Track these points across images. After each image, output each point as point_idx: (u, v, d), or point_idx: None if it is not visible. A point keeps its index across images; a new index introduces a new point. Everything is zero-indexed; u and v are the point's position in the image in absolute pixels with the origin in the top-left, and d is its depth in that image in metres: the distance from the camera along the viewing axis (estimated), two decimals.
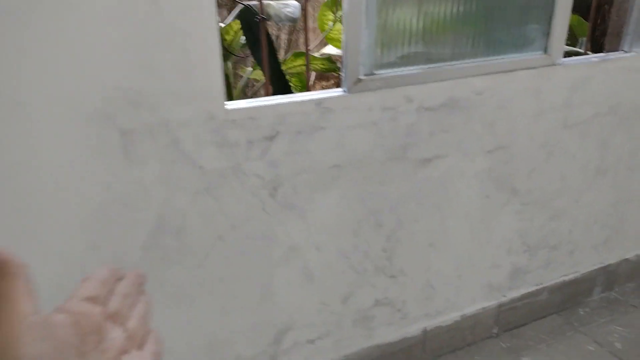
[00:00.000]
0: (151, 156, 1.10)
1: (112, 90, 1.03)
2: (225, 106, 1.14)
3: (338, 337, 1.60)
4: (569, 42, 2.77)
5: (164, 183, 1.13)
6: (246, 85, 1.80)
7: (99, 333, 0.35)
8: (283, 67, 1.59)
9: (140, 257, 1.19)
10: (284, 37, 2.15)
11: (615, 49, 1.75)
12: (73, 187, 1.07)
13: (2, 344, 0.28)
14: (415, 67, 1.37)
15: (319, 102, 1.26)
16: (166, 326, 1.30)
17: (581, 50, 1.97)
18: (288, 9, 1.40)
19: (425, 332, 1.75)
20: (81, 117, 1.03)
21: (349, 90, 1.28)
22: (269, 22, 1.61)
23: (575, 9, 2.84)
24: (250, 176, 1.24)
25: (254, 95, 1.66)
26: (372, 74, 1.32)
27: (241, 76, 1.82)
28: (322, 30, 1.88)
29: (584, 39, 2.25)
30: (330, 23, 1.84)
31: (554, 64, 1.53)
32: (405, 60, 1.36)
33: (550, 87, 1.56)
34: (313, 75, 2.16)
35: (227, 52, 1.52)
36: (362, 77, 1.29)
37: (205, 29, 1.04)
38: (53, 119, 1.01)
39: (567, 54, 1.81)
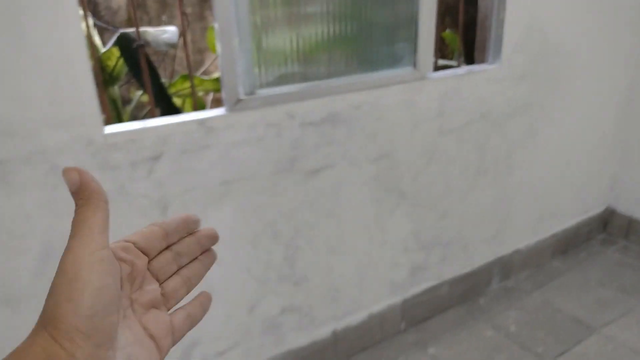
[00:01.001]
0: (31, 183, 1.14)
1: None
2: (104, 131, 1.20)
3: (247, 346, 1.66)
4: (450, 56, 3.03)
5: (46, 209, 1.17)
6: (137, 108, 1.85)
7: (142, 280, 0.38)
8: (172, 89, 1.66)
9: (31, 284, 1.21)
10: (180, 55, 2.23)
11: (482, 61, 1.96)
12: None
13: (76, 267, 0.30)
14: (294, 85, 1.48)
15: (201, 122, 1.33)
16: None
17: (455, 64, 2.18)
18: (166, 35, 1.48)
19: (335, 333, 1.85)
20: None
21: (230, 110, 1.37)
22: (148, 48, 1.68)
23: (451, 25, 3.11)
24: (137, 197, 1.29)
25: (145, 117, 1.71)
26: (253, 93, 1.42)
27: (132, 99, 1.88)
28: (214, 51, 1.96)
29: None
30: None
31: (423, 78, 1.70)
32: (285, 79, 1.47)
33: (422, 99, 1.72)
34: (211, 95, 2.24)
35: (111, 77, 1.57)
36: (242, 97, 1.39)
37: (73, 57, 1.10)
38: None
39: (442, 67, 2.01)
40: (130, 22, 2.27)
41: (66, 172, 0.33)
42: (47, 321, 0.30)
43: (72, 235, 0.32)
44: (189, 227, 0.42)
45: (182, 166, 1.33)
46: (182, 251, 0.42)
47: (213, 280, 1.50)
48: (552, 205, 2.39)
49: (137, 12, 2.28)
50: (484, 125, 1.94)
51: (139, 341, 0.36)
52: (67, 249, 0.32)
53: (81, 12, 1.18)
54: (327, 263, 1.74)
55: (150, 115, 1.36)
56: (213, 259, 0.44)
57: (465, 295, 2.21)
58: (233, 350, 1.63)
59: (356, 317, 1.89)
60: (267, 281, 1.63)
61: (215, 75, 1.93)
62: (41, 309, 0.31)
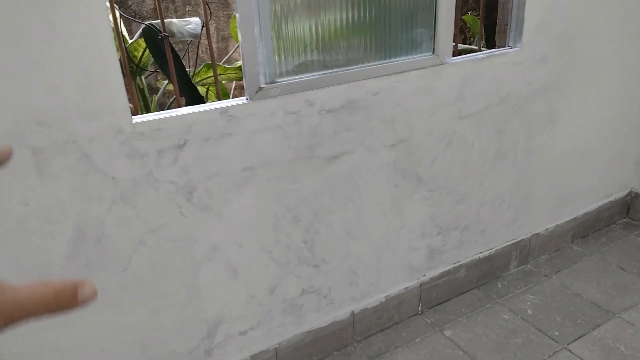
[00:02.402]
0: (64, 171, 1.20)
1: (19, 112, 1.12)
2: (132, 120, 1.25)
3: (269, 326, 1.72)
4: (471, 40, 2.99)
5: (78, 195, 1.23)
6: (164, 96, 1.89)
7: None
8: (197, 79, 1.70)
9: (64, 266, 1.28)
10: (205, 43, 2.26)
11: (503, 45, 1.94)
12: None
13: None
14: (313, 73, 1.50)
15: (223, 111, 1.37)
16: (96, 330, 1.39)
17: (476, 47, 2.16)
18: (189, 26, 1.51)
19: (353, 314, 1.90)
20: None
21: (251, 98, 1.41)
22: (173, 39, 1.72)
23: (473, 7, 3.06)
24: (164, 183, 1.34)
25: (171, 105, 1.76)
26: (273, 81, 1.45)
27: (159, 88, 1.93)
28: (237, 40, 1.99)
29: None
30: None
31: (442, 63, 1.70)
32: (304, 68, 1.49)
33: (441, 84, 1.73)
34: (234, 84, 2.28)
35: (138, 67, 1.62)
36: (263, 85, 1.42)
37: (102, 49, 1.15)
38: None
39: (463, 52, 2.00)
40: (156, 12, 2.32)
41: None
42: None
43: None
44: None
45: (205, 153, 1.38)
46: None
47: (236, 262, 1.56)
48: (572, 188, 2.38)
49: (163, 3, 2.33)
50: (503, 109, 1.94)
51: None
52: None
53: (108, 4, 1.22)
54: (346, 247, 1.78)
55: (175, 104, 1.41)
56: None
57: (482, 278, 2.24)
58: (255, 330, 1.70)
59: (374, 299, 1.93)
60: (287, 264, 1.68)
61: (239, 63, 1.96)
62: None
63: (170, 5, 2.37)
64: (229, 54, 2.36)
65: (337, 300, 1.84)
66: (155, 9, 2.37)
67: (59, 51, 1.11)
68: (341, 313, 1.87)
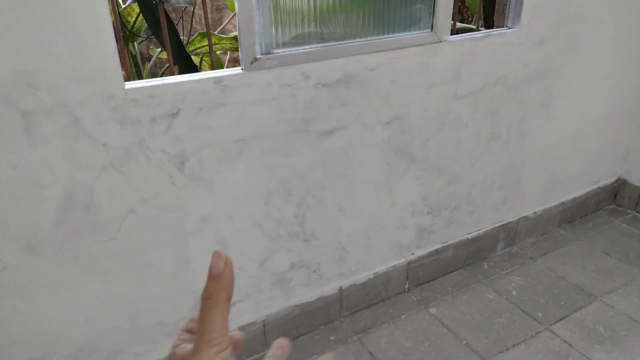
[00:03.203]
0: (53, 135, 1.17)
1: (9, 73, 1.09)
2: (125, 86, 1.22)
3: (258, 299, 1.73)
4: (470, 20, 2.96)
5: (67, 160, 1.21)
6: (156, 65, 1.86)
7: None
8: (191, 48, 1.67)
9: (51, 232, 1.26)
10: (199, 13, 2.21)
11: (502, 25, 1.92)
12: None
13: None
14: (310, 46, 1.48)
15: (217, 80, 1.35)
16: (83, 297, 1.38)
17: (474, 27, 2.14)
18: None
19: (341, 290, 1.91)
20: None
21: (247, 69, 1.38)
22: (168, 4, 1.67)
23: None
24: (156, 151, 1.32)
25: (164, 74, 1.73)
26: (269, 52, 1.42)
27: (152, 56, 1.89)
28: (232, 10, 1.95)
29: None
30: None
31: (440, 41, 1.68)
32: (301, 40, 1.47)
33: (438, 62, 1.71)
34: (228, 54, 2.24)
35: (131, 33, 1.58)
36: (258, 56, 1.39)
37: (96, 12, 1.11)
38: None
39: (461, 31, 1.98)
40: None
41: (216, 256, 0.35)
42: None
43: (200, 333, 0.34)
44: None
45: (198, 123, 1.36)
46: None
47: (226, 234, 1.55)
48: (562, 173, 2.40)
49: None
50: (499, 90, 1.93)
51: None
52: (196, 350, 0.34)
53: None
54: (336, 223, 1.79)
55: (169, 72, 1.38)
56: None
57: (469, 259, 2.26)
58: (244, 302, 1.70)
59: (362, 276, 1.95)
60: (277, 238, 1.68)
61: (233, 34, 1.92)
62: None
63: None
64: (223, 25, 2.32)
65: (325, 276, 1.86)
66: None
67: (53, 12, 1.07)
68: (329, 288, 1.88)
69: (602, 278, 2.18)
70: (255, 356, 1.78)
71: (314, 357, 1.80)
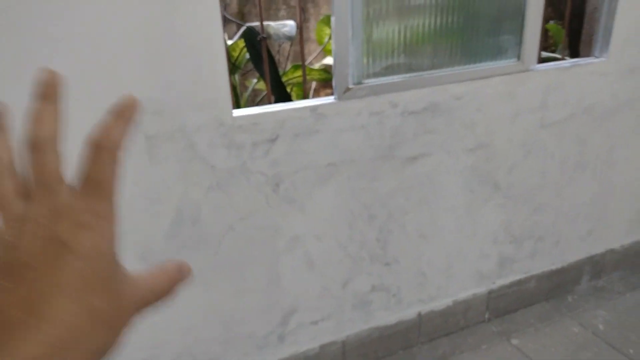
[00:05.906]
0: (171, 157, 1.31)
1: (140, 101, 1.24)
2: (233, 113, 1.35)
3: (339, 319, 1.78)
4: (552, 49, 2.93)
5: (181, 180, 1.34)
6: (252, 95, 2.00)
7: None
8: (284, 78, 1.79)
9: (163, 243, 1.40)
10: (288, 48, 2.37)
11: (588, 54, 1.91)
12: None
13: None
14: (398, 75, 1.55)
15: (313, 109, 1.45)
16: (185, 307, 1.50)
17: (559, 56, 2.13)
18: (285, 29, 1.60)
19: (420, 316, 1.92)
20: None
21: (339, 98, 1.48)
22: (269, 40, 1.81)
23: (557, 17, 3.00)
24: (255, 173, 1.43)
25: (259, 103, 1.87)
26: (360, 82, 1.51)
27: (247, 87, 2.04)
28: (321, 43, 2.09)
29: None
30: (327, 37, 2.05)
31: (527, 70, 1.70)
32: (390, 70, 1.55)
33: (525, 91, 1.73)
34: (313, 84, 2.36)
35: (234, 66, 1.72)
36: (350, 86, 1.48)
37: (214, 47, 1.25)
38: None
39: (546, 60, 1.98)
40: (241, 15, 2.46)
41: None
42: None
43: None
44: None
45: (294, 148, 1.46)
46: None
47: (314, 254, 1.63)
48: None
49: (247, 6, 2.46)
50: (586, 120, 1.90)
51: None
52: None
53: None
54: (417, 248, 1.81)
55: (266, 101, 1.50)
56: None
57: (553, 291, 2.19)
58: (326, 322, 1.76)
59: (441, 303, 1.95)
60: (360, 260, 1.73)
61: (316, 66, 2.04)
62: None
63: (253, 10, 2.48)
64: (312, 56, 2.46)
65: (405, 300, 1.88)
66: (240, 12, 2.52)
67: (178, 47, 1.22)
68: (408, 313, 1.90)
69: None
70: None
71: None
